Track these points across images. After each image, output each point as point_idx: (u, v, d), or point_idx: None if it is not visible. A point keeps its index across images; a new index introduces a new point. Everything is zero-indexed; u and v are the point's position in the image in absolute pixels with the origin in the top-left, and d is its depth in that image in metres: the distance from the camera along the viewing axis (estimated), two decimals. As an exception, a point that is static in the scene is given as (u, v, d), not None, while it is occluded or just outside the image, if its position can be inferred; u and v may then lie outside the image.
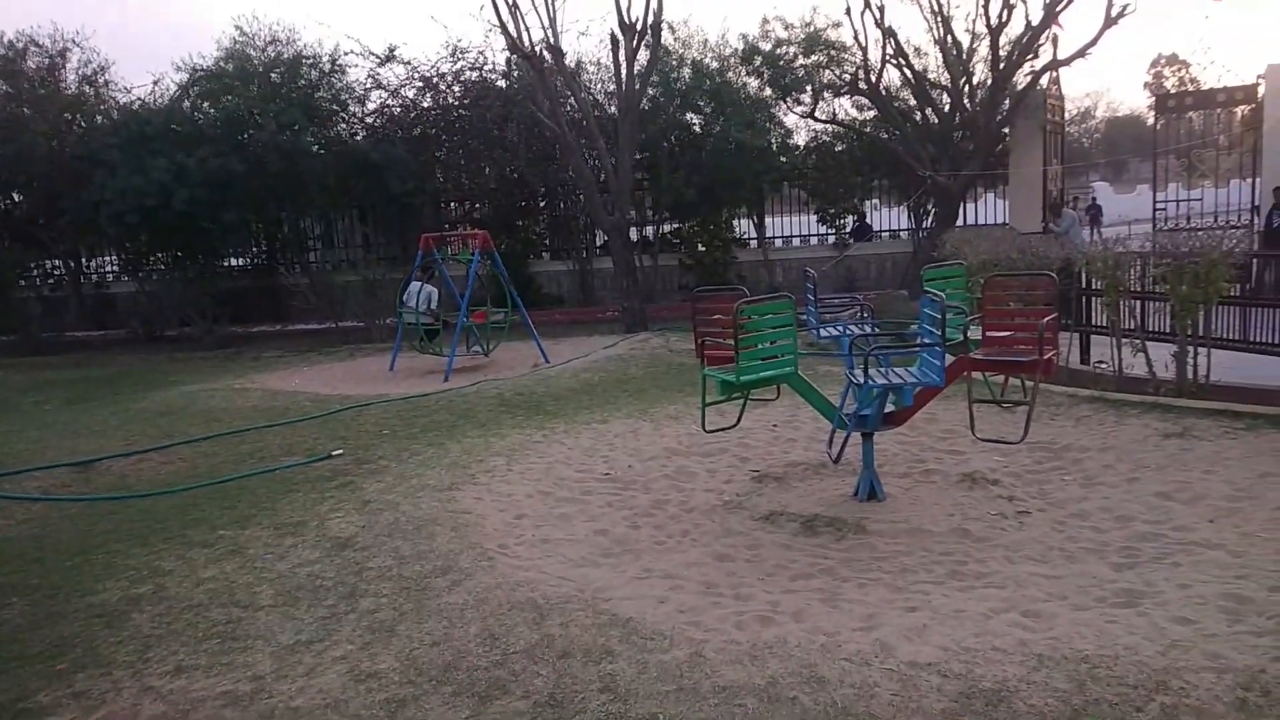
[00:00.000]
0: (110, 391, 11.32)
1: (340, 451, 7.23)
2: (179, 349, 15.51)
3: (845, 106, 17.24)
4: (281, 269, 18.02)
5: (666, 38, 15.61)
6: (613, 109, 16.44)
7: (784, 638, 3.75)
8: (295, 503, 5.99)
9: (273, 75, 16.25)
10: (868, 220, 17.91)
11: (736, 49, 16.67)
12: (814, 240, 17.92)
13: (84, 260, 19.15)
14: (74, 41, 17.85)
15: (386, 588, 4.48)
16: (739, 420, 5.76)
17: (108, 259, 19.48)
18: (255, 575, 4.77)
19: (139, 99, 17.24)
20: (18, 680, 3.81)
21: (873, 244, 17.69)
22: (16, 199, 18.37)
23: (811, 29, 16.20)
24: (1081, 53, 14.46)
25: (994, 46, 15.06)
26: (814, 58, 16.23)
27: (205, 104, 16.40)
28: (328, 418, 8.67)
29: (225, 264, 17.83)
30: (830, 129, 17.34)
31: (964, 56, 15.87)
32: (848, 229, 17.68)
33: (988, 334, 5.37)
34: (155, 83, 17.49)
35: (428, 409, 8.88)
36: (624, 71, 13.99)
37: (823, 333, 6.13)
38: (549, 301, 16.96)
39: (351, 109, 17.23)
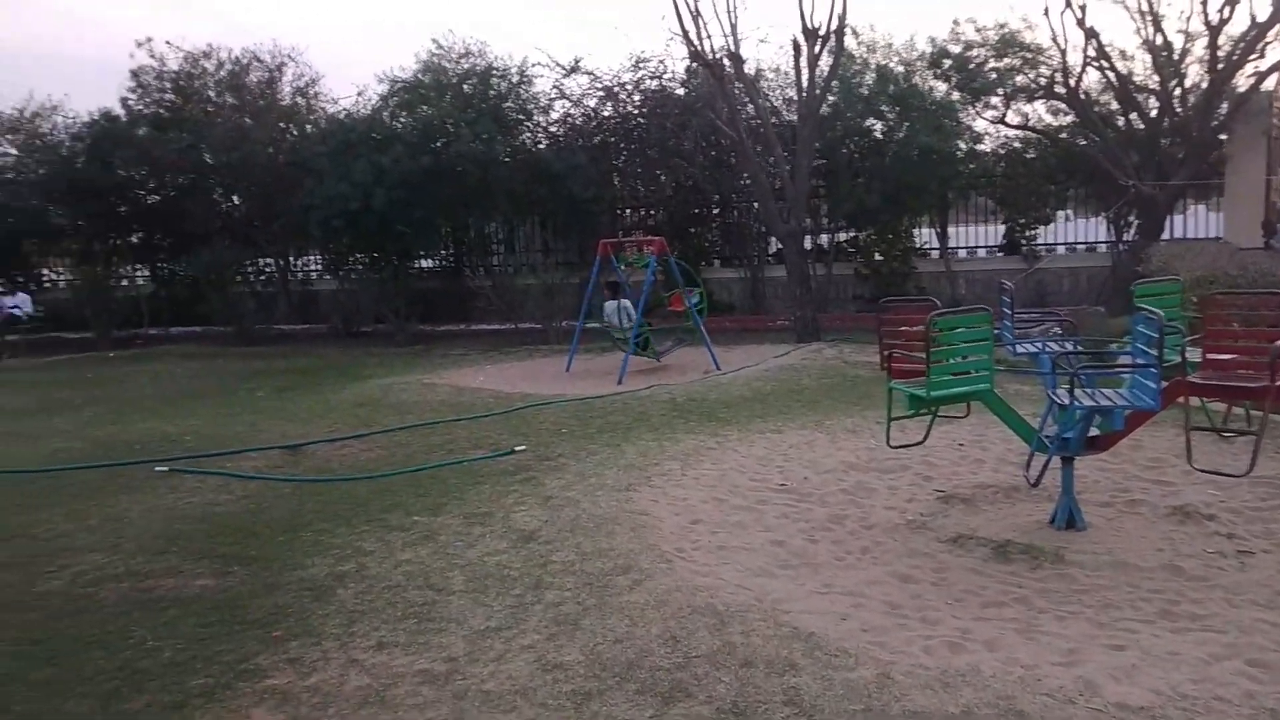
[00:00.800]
0: (314, 381, 12.21)
1: (523, 448, 7.50)
2: (373, 344, 16.55)
3: (1039, 111, 16.35)
4: (467, 272, 18.92)
5: (849, 43, 15.33)
6: (791, 115, 16.30)
7: (977, 666, 3.59)
8: (482, 494, 6.26)
9: (465, 86, 17.07)
10: (1019, 236, 16.93)
11: (924, 52, 16.14)
12: (1000, 251, 17.08)
13: (291, 260, 20.77)
14: (290, 56, 19.49)
15: (570, 582, 4.60)
16: (926, 437, 5.56)
17: (312, 259, 21.05)
18: (447, 561, 5.01)
19: (345, 109, 18.55)
20: (240, 643, 4.15)
21: (1065, 257, 16.68)
22: (236, 202, 20.14)
23: (1005, 30, 15.47)
24: (1318, 50, 13.13)
25: (1212, 46, 13.88)
26: (1006, 60, 15.48)
27: (403, 113, 17.43)
28: (510, 414, 9.01)
29: (416, 266, 18.88)
30: (1022, 134, 16.49)
31: (1176, 58, 14.72)
32: (1001, 242, 16.84)
33: (1208, 356, 4.94)
34: (359, 94, 18.79)
35: (603, 410, 9.07)
36: (805, 77, 13.84)
37: (1018, 349, 5.83)
38: (719, 308, 16.95)
39: (536, 118, 17.87)
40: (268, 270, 20.29)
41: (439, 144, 16.35)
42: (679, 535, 5.27)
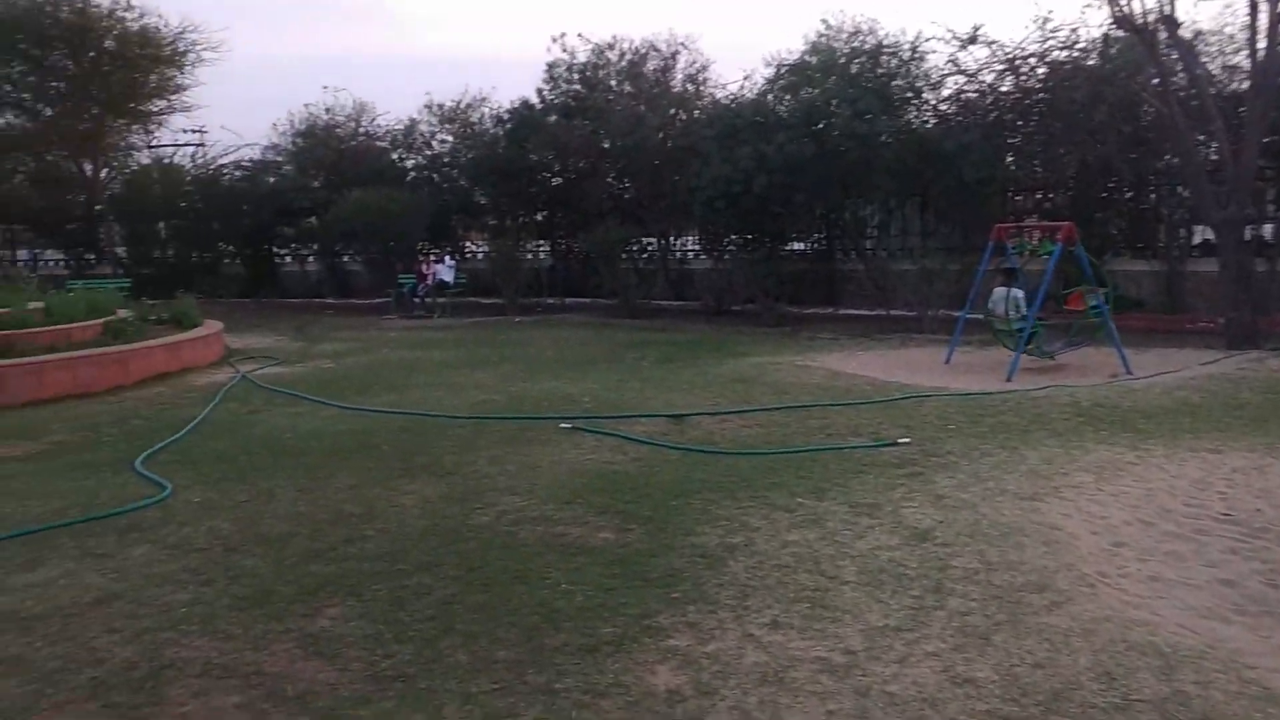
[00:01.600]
0: (690, 355, 12.71)
1: (907, 440, 7.15)
2: (743, 323, 16.91)
3: None
4: (839, 254, 18.65)
5: (1324, -6, 12.75)
6: (1234, 85, 14.01)
7: None
8: (866, 484, 6.05)
9: (852, 66, 16.74)
10: None
11: None
12: None
13: (671, 239, 21.86)
14: (683, 45, 20.41)
15: (975, 591, 4.25)
16: None
17: (689, 239, 22.00)
18: (836, 549, 4.87)
19: (731, 94, 19.05)
20: (642, 599, 4.32)
21: None
22: (627, 184, 21.56)
23: None
24: None
25: None
26: None
27: (786, 96, 17.50)
28: (888, 404, 8.68)
29: (788, 248, 18.98)
30: None
31: None
32: None
33: None
34: (745, 78, 19.18)
35: (992, 408, 8.42)
36: (1260, 40, 11.77)
37: None
38: (1125, 305, 15.11)
39: (925, 95, 17.07)
40: (650, 248, 21.51)
41: (820, 125, 16.22)
42: (1100, 558, 4.67)
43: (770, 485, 6.09)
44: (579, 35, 21.04)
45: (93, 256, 26.78)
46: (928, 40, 16.61)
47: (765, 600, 4.26)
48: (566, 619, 4.12)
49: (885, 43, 16.88)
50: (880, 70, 16.62)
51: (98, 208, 26.24)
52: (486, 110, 22.82)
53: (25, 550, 5.09)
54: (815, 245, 19.50)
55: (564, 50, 20.66)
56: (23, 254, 29.16)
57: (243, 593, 4.47)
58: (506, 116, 21.45)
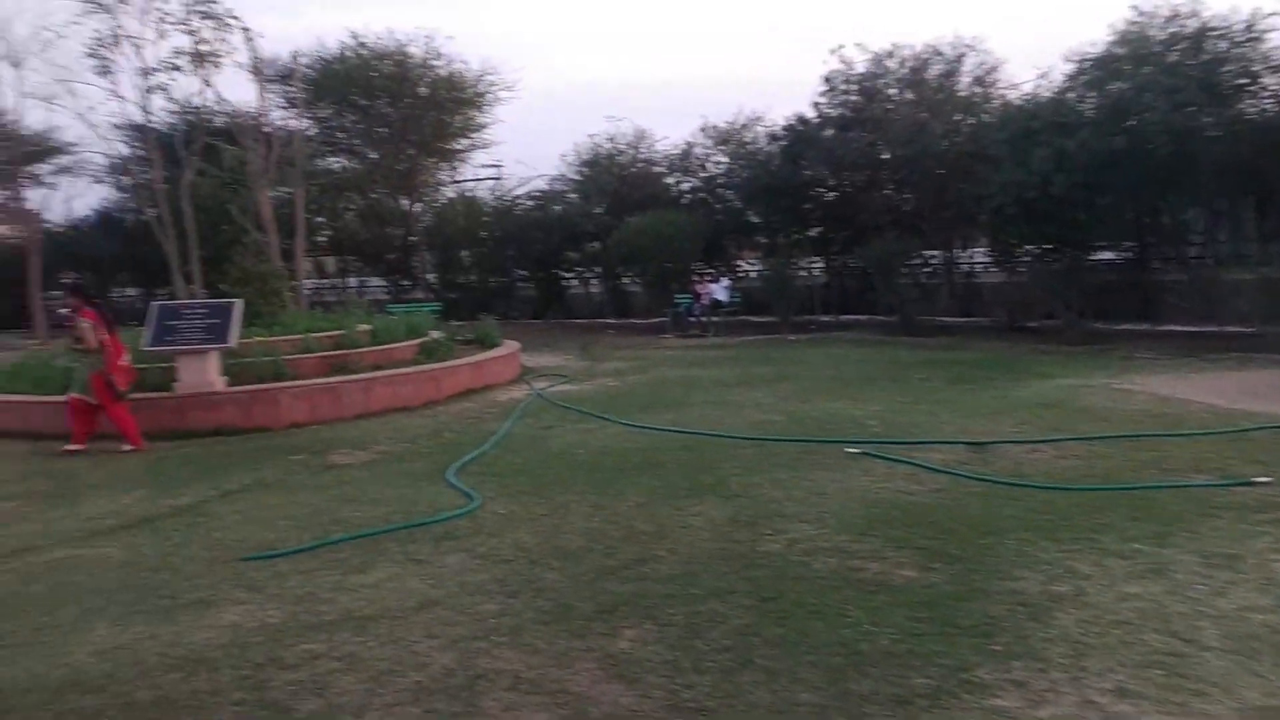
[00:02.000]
0: (984, 376, 11.81)
1: (1267, 480, 6.10)
2: (1040, 341, 15.57)
3: None
4: (1155, 263, 16.70)
5: None
6: None
7: None
8: (1219, 530, 5.20)
9: (1170, 54, 14.95)
10: None
11: None
12: None
13: (956, 251, 20.65)
14: (969, 47, 19.28)
15: (1391, 675, 3.45)
16: None
17: (977, 251, 20.67)
18: (1190, 606, 4.18)
19: (1025, 95, 17.70)
20: (954, 648, 3.92)
21: None
22: (905, 195, 20.67)
23: None
24: None
25: None
26: None
27: (1091, 92, 15.96)
28: (1237, 436, 7.50)
29: (1093, 257, 17.28)
30: None
31: None
32: None
33: None
34: (1042, 76, 17.72)
35: (1376, 443, 7.03)
36: None
37: None
38: None
39: (1263, 80, 14.86)
40: (932, 262, 20.47)
41: (1131, 122, 14.60)
42: None
43: (1097, 526, 5.40)
44: (857, 45, 20.56)
45: (408, 282, 29.85)
46: (1268, 17, 14.46)
47: (1106, 662, 3.72)
48: (872, 663, 3.82)
49: (1210, 25, 14.91)
50: (1204, 56, 14.70)
51: (411, 239, 29.22)
52: (760, 129, 22.90)
53: (359, 553, 5.58)
54: (1126, 253, 17.58)
55: (841, 62, 20.28)
56: (352, 281, 33.10)
57: (546, 606, 4.58)
58: (781, 133, 21.34)
